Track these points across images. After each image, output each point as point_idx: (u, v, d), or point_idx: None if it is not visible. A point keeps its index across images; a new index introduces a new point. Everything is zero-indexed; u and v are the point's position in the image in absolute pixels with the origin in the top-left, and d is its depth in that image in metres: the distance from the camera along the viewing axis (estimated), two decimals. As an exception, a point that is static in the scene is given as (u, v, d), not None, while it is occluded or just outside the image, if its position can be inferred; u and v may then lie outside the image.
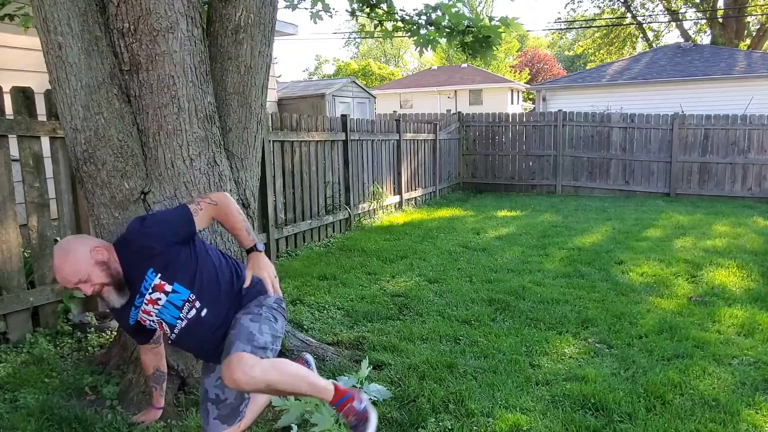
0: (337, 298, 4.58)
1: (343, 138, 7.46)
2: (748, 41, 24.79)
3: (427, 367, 3.22)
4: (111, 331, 3.65)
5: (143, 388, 2.77)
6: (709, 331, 3.88)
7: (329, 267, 5.54)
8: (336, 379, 2.98)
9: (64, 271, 2.07)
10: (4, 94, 3.43)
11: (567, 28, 40.76)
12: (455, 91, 31.49)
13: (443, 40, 4.26)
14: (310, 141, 6.67)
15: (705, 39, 27.89)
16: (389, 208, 9.00)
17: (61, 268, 2.08)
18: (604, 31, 28.91)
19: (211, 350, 2.22)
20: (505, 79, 33.12)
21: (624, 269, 5.52)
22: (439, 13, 4.15)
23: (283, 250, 6.24)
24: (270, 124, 5.89)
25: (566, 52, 50.20)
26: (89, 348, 3.44)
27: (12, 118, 3.43)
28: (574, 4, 41.78)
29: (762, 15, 24.75)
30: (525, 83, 34.99)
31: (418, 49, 4.26)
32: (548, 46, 52.08)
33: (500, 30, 3.98)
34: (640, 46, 30.52)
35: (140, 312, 2.22)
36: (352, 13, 4.58)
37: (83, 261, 2.07)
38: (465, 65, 33.11)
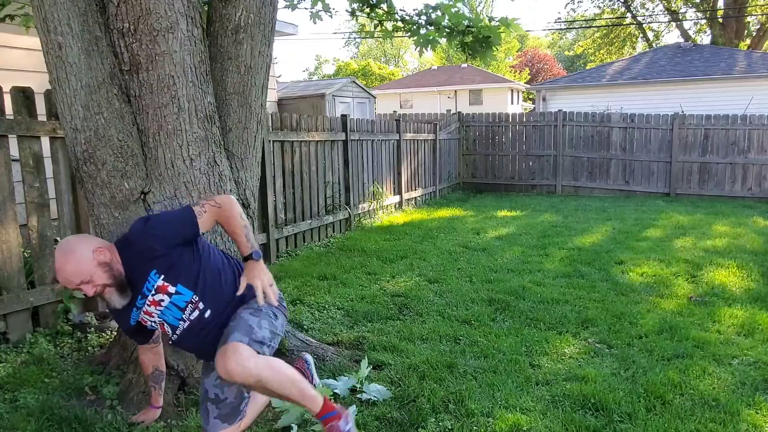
0: (337, 298, 4.58)
1: (343, 138, 7.46)
2: (748, 41, 24.79)
3: (427, 367, 3.22)
4: (111, 331, 3.65)
5: (143, 388, 2.77)
6: (709, 331, 3.88)
7: (329, 267, 5.54)
8: (336, 379, 2.99)
9: (66, 272, 2.05)
10: (4, 94, 3.43)
11: (567, 28, 40.79)
12: (455, 91, 31.49)
13: (443, 40, 4.27)
14: (310, 141, 6.67)
15: (705, 39, 27.92)
16: (389, 208, 9.00)
17: (63, 268, 2.06)
18: (604, 31, 28.92)
19: (212, 350, 2.22)
20: (505, 79, 33.12)
21: (624, 269, 5.52)
22: (439, 13, 4.15)
23: (283, 250, 6.24)
24: (270, 124, 5.89)
25: (566, 52, 50.21)
26: (89, 348, 3.44)
27: (12, 118, 3.42)
28: (574, 4, 41.80)
29: (762, 15, 24.76)
30: (525, 83, 34.99)
31: (418, 49, 4.26)
32: (548, 46, 52.10)
33: (500, 31, 3.98)
34: (640, 46, 30.53)
35: (141, 313, 2.21)
36: (352, 13, 4.58)
37: (86, 262, 2.05)
38: (465, 65, 33.11)
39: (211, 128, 2.80)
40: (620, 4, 28.85)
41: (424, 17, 4.21)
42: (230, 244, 2.89)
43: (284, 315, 2.33)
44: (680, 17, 27.36)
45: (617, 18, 29.05)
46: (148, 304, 2.17)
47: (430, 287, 4.93)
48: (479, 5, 47.12)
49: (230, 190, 2.90)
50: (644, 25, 28.34)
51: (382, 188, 8.68)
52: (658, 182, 11.38)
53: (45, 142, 3.63)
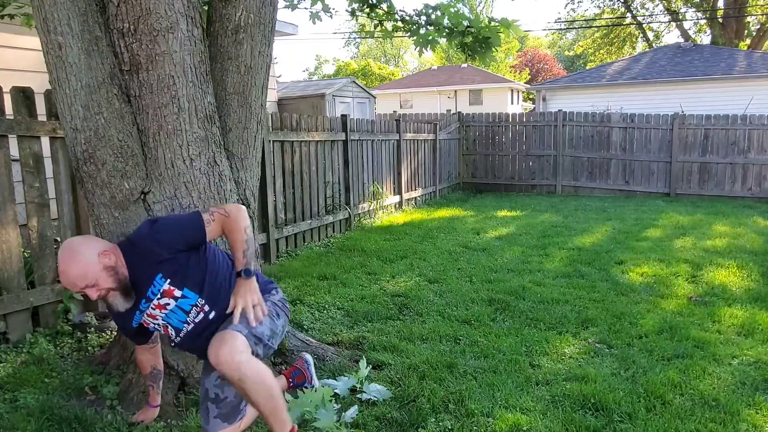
0: (337, 298, 4.58)
1: (343, 138, 7.46)
2: (748, 41, 24.80)
3: (427, 367, 3.22)
4: (111, 331, 3.65)
5: (143, 388, 2.77)
6: (709, 331, 3.88)
7: (329, 267, 5.54)
8: (336, 379, 2.99)
9: (71, 275, 2.00)
10: (4, 94, 3.43)
11: (567, 28, 40.79)
12: (455, 91, 31.49)
13: (443, 40, 4.27)
14: (310, 141, 6.67)
15: (705, 39, 27.92)
16: (389, 208, 9.00)
17: (67, 272, 2.00)
18: (604, 31, 28.92)
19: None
20: (505, 79, 33.12)
21: (624, 269, 5.52)
22: (438, 13, 4.15)
23: (283, 250, 6.24)
24: (270, 124, 5.89)
25: (566, 52, 50.20)
26: (89, 348, 3.44)
27: (12, 118, 3.42)
28: (574, 4, 41.72)
29: (762, 15, 24.76)
30: (525, 83, 34.99)
31: (418, 49, 4.26)
32: (548, 46, 52.10)
33: (500, 32, 3.98)
34: (640, 46, 30.52)
35: (145, 316, 2.20)
36: (352, 13, 4.58)
37: (91, 265, 2.00)
38: (465, 65, 33.10)
39: (211, 128, 2.80)
40: (620, 4, 28.86)
41: (424, 17, 4.21)
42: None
43: (286, 315, 2.33)
44: (680, 17, 27.37)
45: (617, 18, 29.05)
46: (152, 308, 2.15)
47: (430, 287, 4.93)
48: (479, 5, 47.13)
49: (230, 190, 2.90)
50: (644, 25, 28.35)
51: (382, 188, 8.68)
52: (658, 182, 11.38)
53: (45, 142, 3.63)
